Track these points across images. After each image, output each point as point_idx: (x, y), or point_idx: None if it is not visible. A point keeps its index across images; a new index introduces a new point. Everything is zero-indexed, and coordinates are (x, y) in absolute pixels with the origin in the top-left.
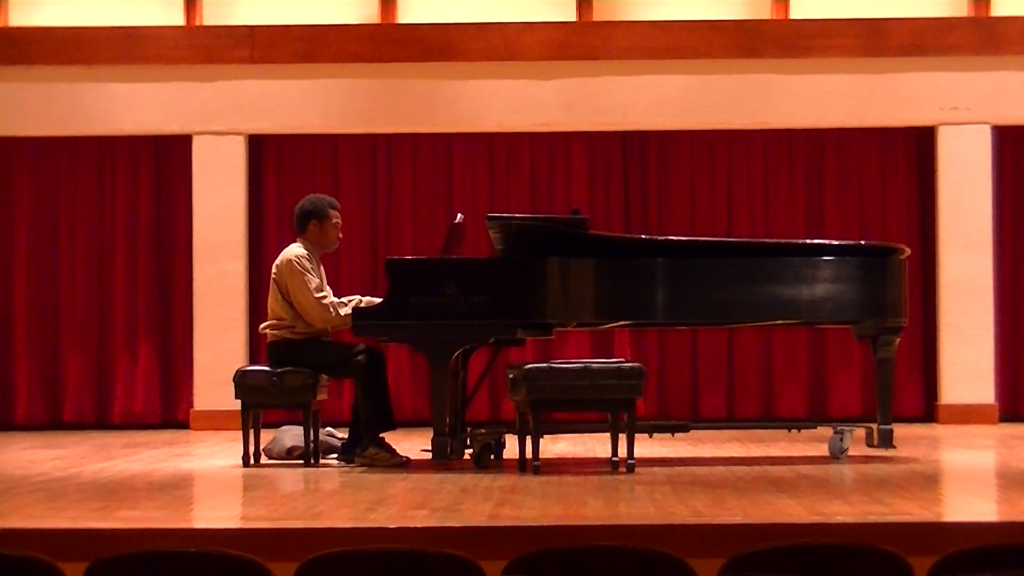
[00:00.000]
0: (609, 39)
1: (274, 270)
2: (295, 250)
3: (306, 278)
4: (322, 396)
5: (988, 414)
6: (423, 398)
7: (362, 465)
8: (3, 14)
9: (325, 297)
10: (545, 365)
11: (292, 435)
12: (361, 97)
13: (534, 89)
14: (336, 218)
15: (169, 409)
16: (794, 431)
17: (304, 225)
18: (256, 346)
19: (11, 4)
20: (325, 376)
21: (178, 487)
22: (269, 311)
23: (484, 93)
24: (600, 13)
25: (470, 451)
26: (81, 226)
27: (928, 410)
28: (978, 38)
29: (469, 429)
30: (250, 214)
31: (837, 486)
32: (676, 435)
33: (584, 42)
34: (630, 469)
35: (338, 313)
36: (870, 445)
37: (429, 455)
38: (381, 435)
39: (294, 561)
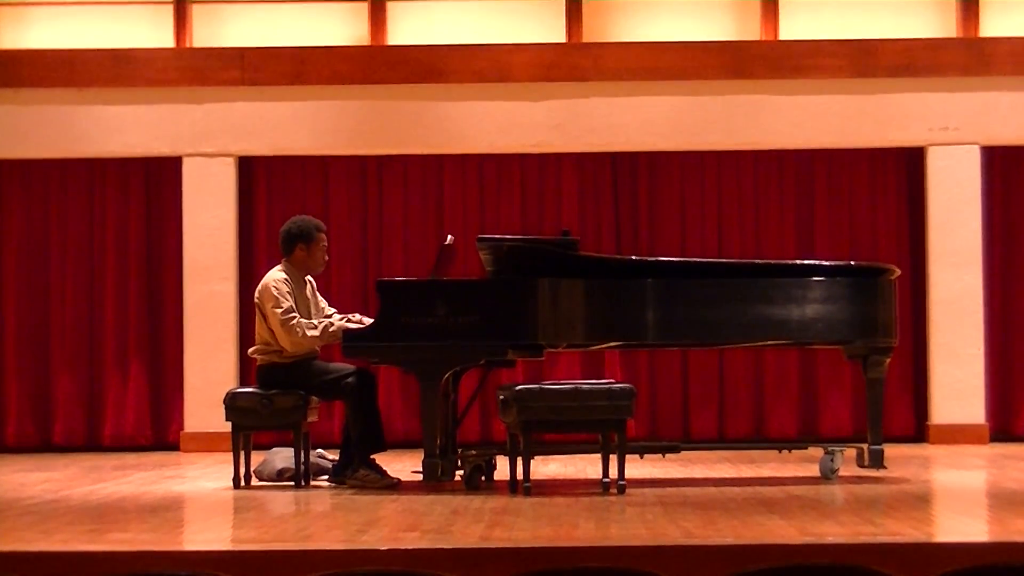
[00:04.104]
0: (599, 60)
1: (256, 295)
2: (274, 275)
3: (278, 301)
4: (312, 418)
5: (979, 434)
6: (414, 419)
7: (353, 487)
8: None
9: (293, 319)
10: (536, 386)
11: (283, 457)
12: (351, 118)
13: (524, 110)
14: (323, 241)
15: (160, 431)
16: (785, 451)
17: (291, 248)
18: (247, 368)
19: (1, 27)
20: (315, 398)
21: (168, 509)
22: (256, 336)
23: (474, 114)
24: (590, 34)
25: (461, 472)
26: (72, 248)
27: (919, 430)
28: (967, 58)
29: (460, 450)
30: (240, 235)
31: (828, 506)
32: (667, 456)
33: (574, 63)
34: (621, 490)
35: (305, 334)
36: (861, 465)
37: (420, 476)
38: (372, 456)
39: None
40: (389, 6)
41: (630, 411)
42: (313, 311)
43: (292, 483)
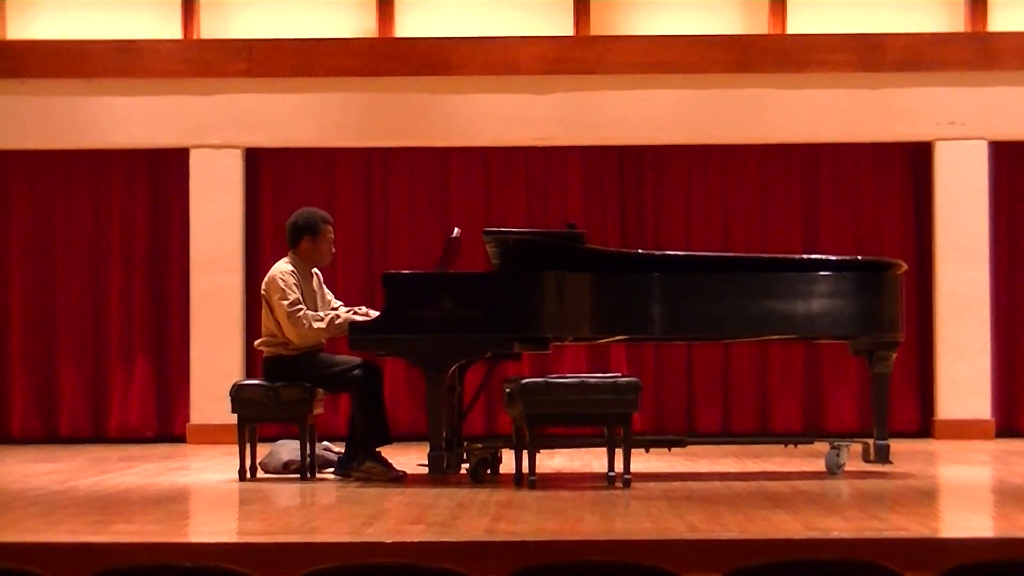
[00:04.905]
0: (605, 54)
1: (263, 287)
2: (280, 267)
3: (284, 293)
4: (318, 410)
5: (984, 429)
6: (419, 412)
7: (358, 479)
8: (0, 27)
9: (299, 311)
10: (541, 380)
11: (288, 449)
12: (357, 111)
13: (530, 103)
14: (330, 233)
15: (165, 423)
16: (791, 446)
17: (297, 240)
18: (253, 359)
19: (8, 17)
20: (321, 390)
21: (174, 501)
22: (263, 328)
23: (480, 107)
24: (596, 28)
25: (466, 465)
26: (77, 239)
27: (924, 425)
28: (974, 53)
29: (465, 443)
30: (247, 227)
31: (833, 501)
32: (672, 450)
33: (580, 57)
34: (626, 484)
35: (311, 326)
36: (866, 460)
37: (425, 469)
38: (377, 449)
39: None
40: None
41: (636, 405)
42: (319, 303)
43: (298, 475)
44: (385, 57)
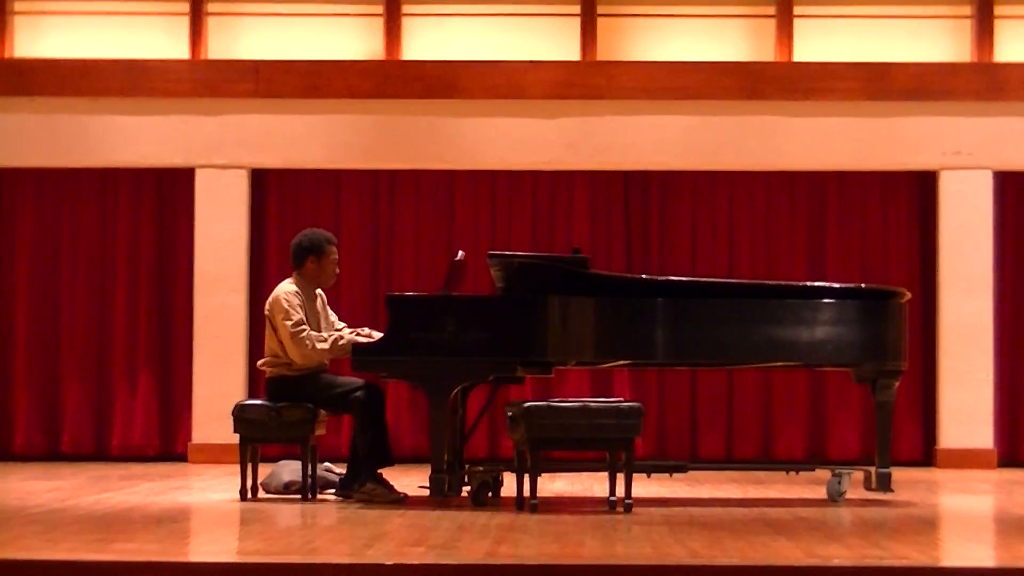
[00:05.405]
0: (613, 79)
1: (266, 307)
2: (285, 287)
3: (288, 314)
4: (320, 431)
5: (987, 459)
6: (422, 434)
7: (359, 501)
8: (8, 45)
9: (303, 332)
10: (544, 404)
11: (290, 470)
12: (364, 133)
13: (537, 127)
14: (334, 254)
15: (167, 442)
16: (792, 473)
17: (301, 261)
18: (255, 380)
19: (16, 35)
20: (324, 411)
21: (175, 520)
22: (266, 348)
23: (487, 131)
24: (604, 53)
25: (468, 488)
26: (82, 258)
27: (927, 454)
28: (981, 83)
29: (467, 466)
30: (252, 247)
31: (835, 529)
32: (674, 475)
33: (588, 81)
34: (627, 509)
35: (315, 347)
36: (868, 488)
37: (427, 492)
38: (379, 471)
39: None
40: (404, 21)
41: (638, 430)
42: (323, 324)
43: (299, 496)
44: (392, 80)
